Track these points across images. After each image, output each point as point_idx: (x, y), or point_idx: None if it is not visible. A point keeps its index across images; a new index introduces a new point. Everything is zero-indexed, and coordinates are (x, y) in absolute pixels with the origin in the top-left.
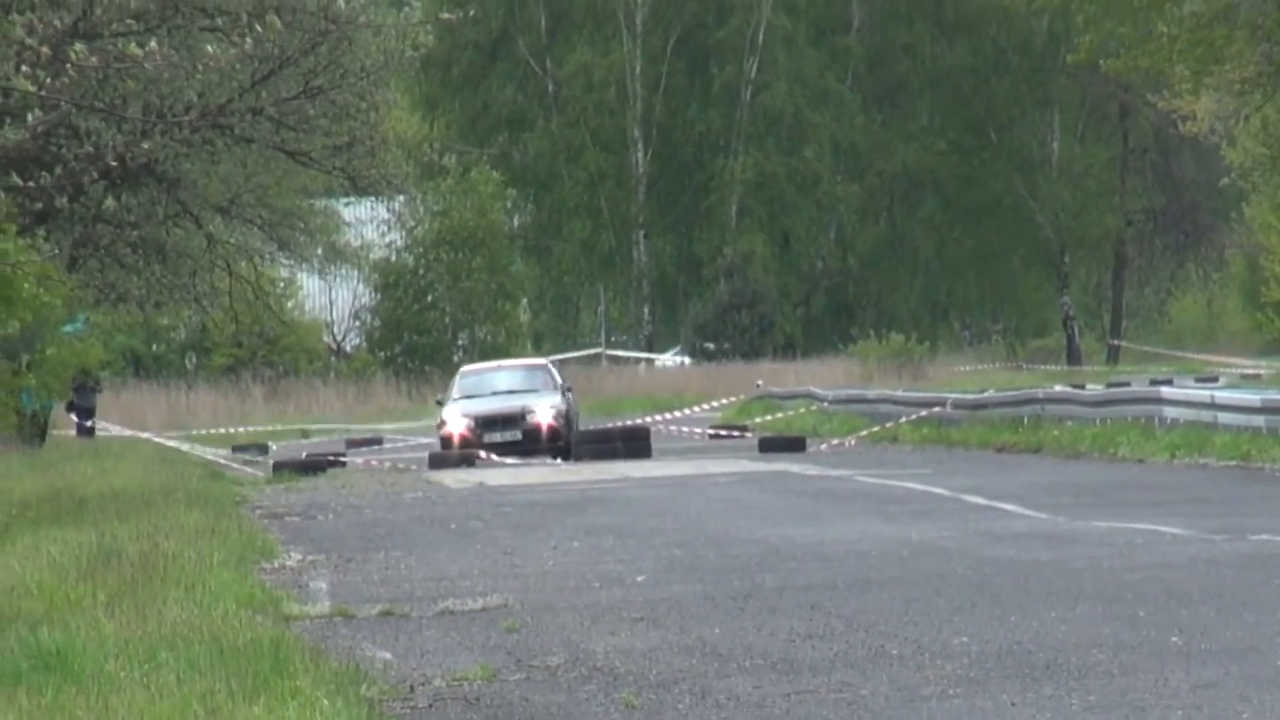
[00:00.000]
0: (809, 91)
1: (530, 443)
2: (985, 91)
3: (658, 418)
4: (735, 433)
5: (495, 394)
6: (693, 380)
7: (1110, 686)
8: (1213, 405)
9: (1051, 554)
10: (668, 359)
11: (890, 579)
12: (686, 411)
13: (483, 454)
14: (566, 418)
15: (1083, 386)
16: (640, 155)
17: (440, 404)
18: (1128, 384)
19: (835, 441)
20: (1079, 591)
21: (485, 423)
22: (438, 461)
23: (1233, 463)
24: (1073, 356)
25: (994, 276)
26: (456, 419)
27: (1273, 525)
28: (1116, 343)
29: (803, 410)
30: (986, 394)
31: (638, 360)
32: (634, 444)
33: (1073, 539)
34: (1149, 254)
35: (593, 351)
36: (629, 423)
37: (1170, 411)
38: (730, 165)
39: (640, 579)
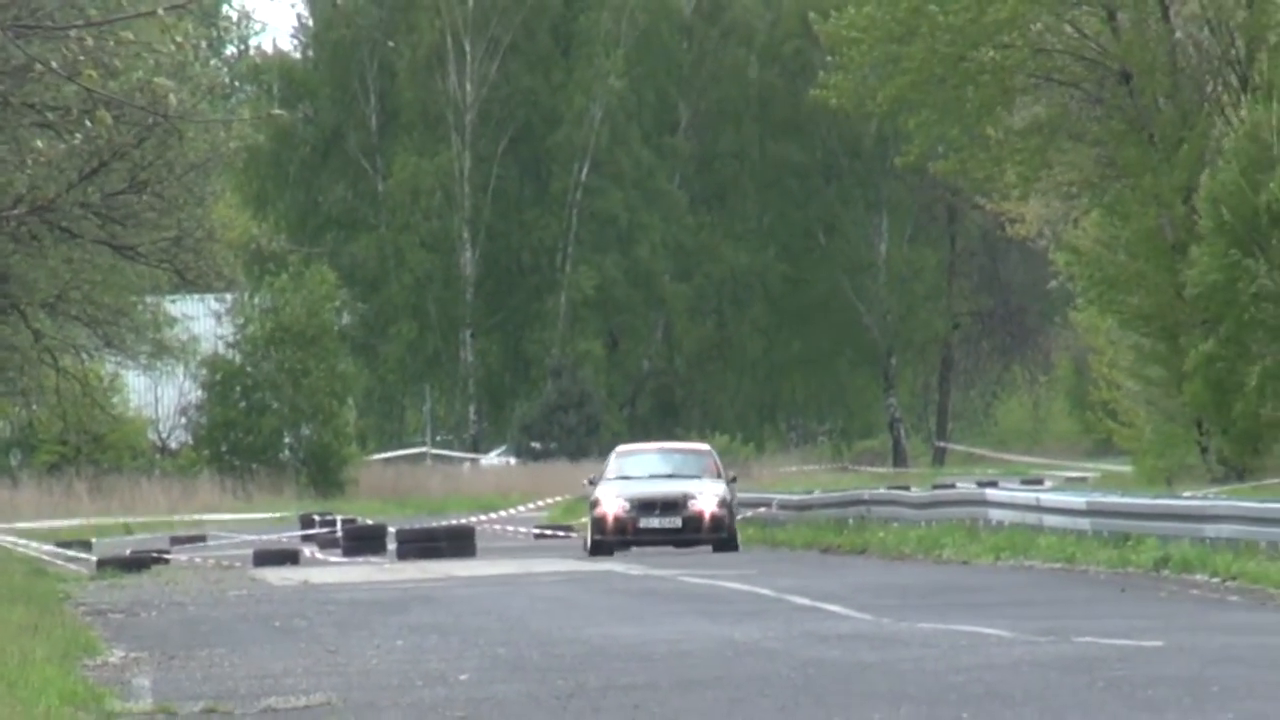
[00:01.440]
0: (640, 192)
1: (690, 531)
2: (814, 194)
3: (483, 517)
4: (560, 532)
5: (655, 476)
6: (519, 480)
7: None
8: (1038, 508)
9: (876, 655)
10: (493, 458)
11: (714, 679)
12: (512, 511)
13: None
14: (729, 508)
15: (908, 488)
16: (468, 256)
17: (593, 483)
18: (953, 486)
19: None
20: (903, 693)
21: (642, 506)
22: (262, 559)
23: (1057, 565)
24: (899, 458)
25: (821, 378)
26: (611, 498)
27: (1097, 627)
28: (942, 445)
29: None
30: (812, 495)
31: (463, 460)
32: (459, 543)
33: (897, 640)
34: (975, 356)
35: (418, 451)
36: (454, 522)
37: (995, 514)
38: (561, 266)
39: (463, 678)
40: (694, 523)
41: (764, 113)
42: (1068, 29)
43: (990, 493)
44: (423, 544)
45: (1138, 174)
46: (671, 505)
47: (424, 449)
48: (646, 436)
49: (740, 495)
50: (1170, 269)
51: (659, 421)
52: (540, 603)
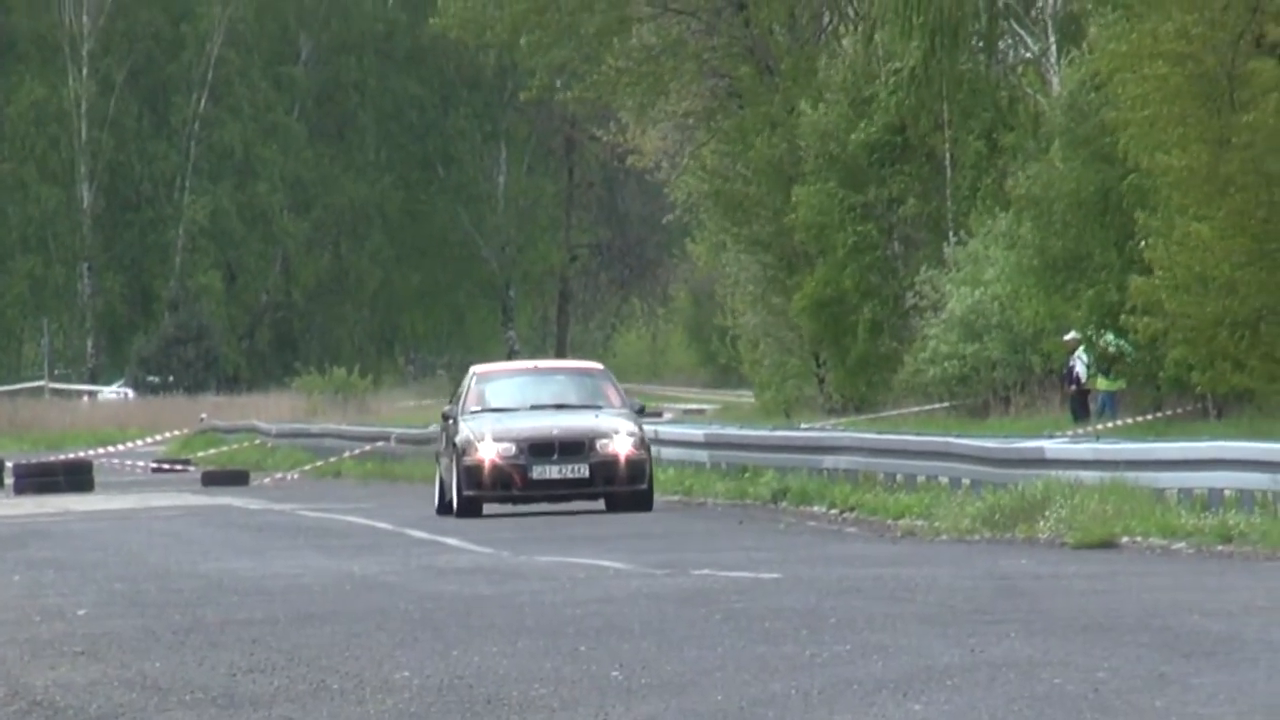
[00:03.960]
0: (259, 126)
1: (601, 482)
2: (433, 126)
3: (101, 451)
4: (178, 466)
5: (540, 408)
6: (136, 414)
7: None
8: (656, 440)
9: (494, 589)
10: (111, 392)
11: (332, 613)
12: (130, 445)
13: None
14: (647, 448)
15: None
16: (87, 190)
17: (449, 418)
18: None
19: (279, 475)
20: (521, 626)
21: (535, 449)
22: None
23: (675, 497)
24: None
25: (440, 311)
26: (487, 440)
27: (714, 560)
28: None
29: (246, 444)
30: (431, 429)
31: (81, 393)
32: (76, 477)
33: (515, 574)
34: (594, 288)
35: (35, 384)
36: (72, 456)
37: None
38: (180, 201)
39: (81, 613)
40: (606, 470)
41: (384, 45)
42: None
43: None
44: (40, 478)
45: (754, 103)
46: (575, 447)
47: (41, 382)
48: (264, 370)
49: (357, 429)
50: (787, 198)
51: (277, 354)
52: (158, 537)
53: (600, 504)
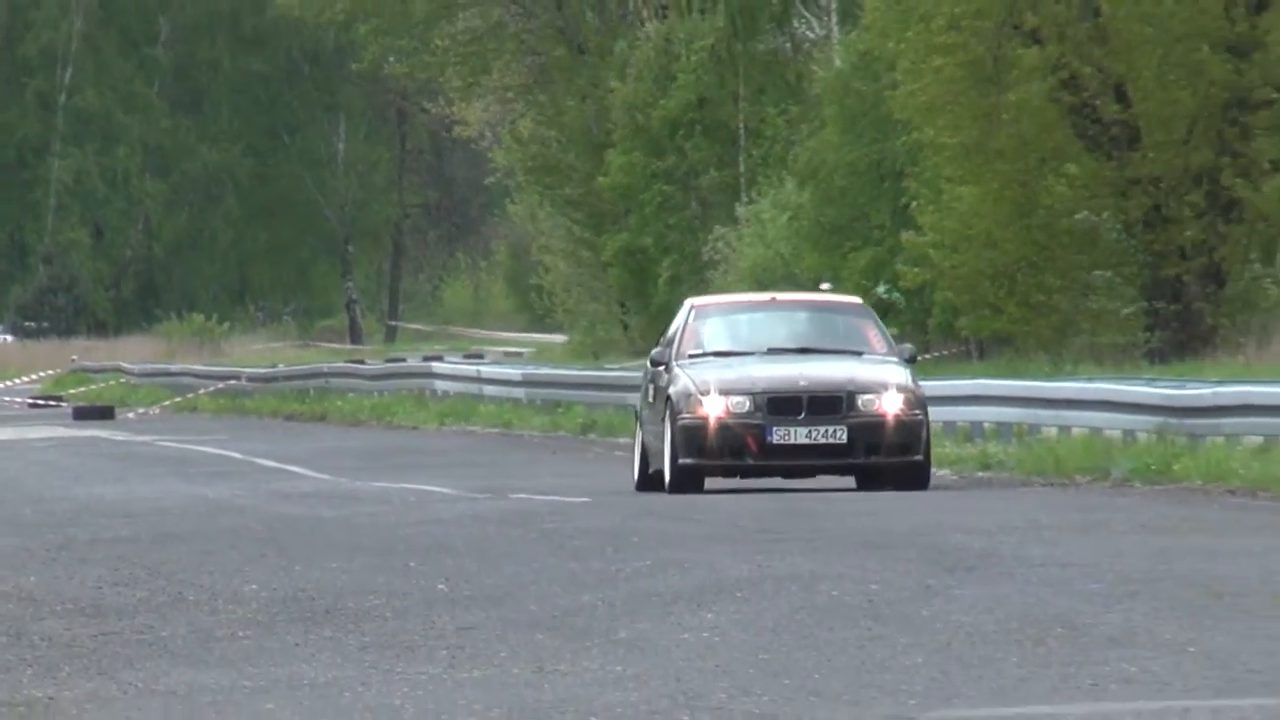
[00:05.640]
0: (119, 97)
1: (863, 450)
2: (279, 99)
3: None
4: (52, 403)
5: (780, 352)
6: (14, 356)
7: (384, 629)
8: (479, 379)
9: (334, 511)
10: None
11: (189, 533)
12: (8, 384)
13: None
14: (923, 406)
15: (363, 362)
16: None
17: (659, 363)
18: (404, 360)
19: (142, 410)
20: (358, 545)
21: (777, 405)
22: None
23: (496, 430)
24: (355, 335)
25: (286, 264)
26: (713, 395)
27: (530, 485)
28: (394, 323)
29: (113, 383)
30: (278, 368)
31: None
32: None
33: (353, 498)
34: (424, 244)
35: None
36: None
37: (441, 385)
38: (49, 164)
39: None
40: (870, 435)
41: (234, 25)
42: None
43: (436, 366)
44: None
45: (567, 79)
46: (829, 404)
47: None
48: (129, 317)
49: (212, 369)
50: (597, 163)
51: (141, 302)
52: (33, 465)
53: (850, 480)
